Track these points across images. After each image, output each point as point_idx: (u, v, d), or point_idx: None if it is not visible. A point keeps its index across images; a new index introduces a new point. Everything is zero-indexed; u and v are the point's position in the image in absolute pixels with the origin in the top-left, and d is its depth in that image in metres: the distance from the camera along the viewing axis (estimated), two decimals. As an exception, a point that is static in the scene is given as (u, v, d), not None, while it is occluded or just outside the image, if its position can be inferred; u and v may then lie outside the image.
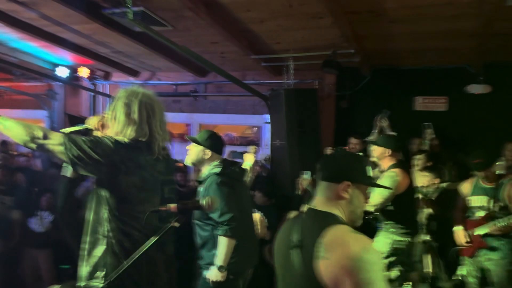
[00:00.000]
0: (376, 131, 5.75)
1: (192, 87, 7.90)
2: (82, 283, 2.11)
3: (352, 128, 6.39)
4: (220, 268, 2.90)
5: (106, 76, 8.41)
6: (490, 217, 4.01)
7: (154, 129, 2.15)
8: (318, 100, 6.13)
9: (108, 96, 8.35)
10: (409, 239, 3.60)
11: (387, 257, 3.53)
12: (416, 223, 4.03)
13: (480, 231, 4.06)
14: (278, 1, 4.19)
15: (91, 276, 2.08)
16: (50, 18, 5.11)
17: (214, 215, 2.89)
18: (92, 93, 8.50)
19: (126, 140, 2.08)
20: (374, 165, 5.36)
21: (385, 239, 3.64)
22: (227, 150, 4.10)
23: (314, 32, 5.04)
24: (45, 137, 1.96)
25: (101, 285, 1.94)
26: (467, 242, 4.15)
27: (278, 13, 4.53)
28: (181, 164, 6.76)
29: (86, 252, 2.12)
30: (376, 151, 3.80)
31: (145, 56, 6.68)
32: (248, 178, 4.35)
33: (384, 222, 3.69)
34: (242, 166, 3.66)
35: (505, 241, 3.95)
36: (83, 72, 7.71)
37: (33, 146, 1.95)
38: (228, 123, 8.48)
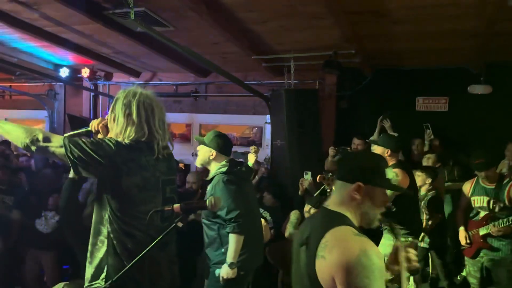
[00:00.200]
0: (377, 131, 5.74)
1: (193, 87, 7.91)
2: (86, 284, 2.12)
3: (353, 129, 6.39)
4: (231, 265, 2.94)
5: (107, 77, 8.42)
6: (490, 218, 4.02)
7: (153, 129, 2.15)
8: (318, 101, 6.13)
9: (109, 96, 8.36)
10: (411, 239, 3.61)
11: None
12: (418, 224, 4.03)
13: (481, 231, 4.06)
14: (280, 1, 4.19)
15: (94, 277, 2.08)
16: (52, 18, 5.12)
17: (222, 213, 2.92)
18: (93, 94, 8.51)
19: (126, 141, 2.09)
20: None
21: (387, 241, 3.64)
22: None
23: (315, 32, 5.04)
24: (46, 139, 1.96)
25: (103, 286, 1.95)
26: (467, 243, 4.15)
27: (280, 14, 4.53)
28: (181, 165, 6.78)
29: (89, 254, 2.13)
30: (376, 151, 3.80)
31: (146, 56, 6.69)
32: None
33: (386, 223, 3.69)
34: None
35: (506, 241, 3.95)
36: (85, 72, 7.71)
37: (34, 148, 1.96)
38: (228, 123, 8.47)
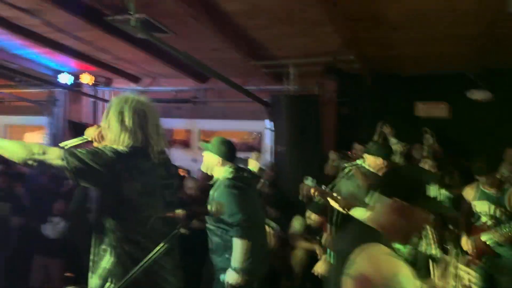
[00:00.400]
0: (377, 137, 5.73)
1: (192, 93, 7.92)
2: None
3: (354, 134, 6.40)
4: (235, 270, 2.92)
5: (108, 82, 8.44)
6: (493, 223, 4.00)
7: (148, 134, 2.16)
8: (319, 106, 6.14)
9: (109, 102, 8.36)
10: (411, 247, 3.57)
11: None
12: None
13: (483, 237, 4.05)
14: (280, 8, 4.21)
15: (99, 287, 2.07)
16: (53, 24, 5.14)
17: (226, 218, 2.92)
18: (94, 99, 8.52)
19: (122, 147, 2.09)
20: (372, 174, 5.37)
21: None
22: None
23: (315, 38, 5.06)
24: (43, 153, 1.95)
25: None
26: (469, 249, 4.14)
27: (279, 20, 4.56)
28: (181, 170, 6.77)
29: (91, 264, 2.12)
30: (369, 160, 3.79)
31: (146, 62, 6.70)
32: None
33: None
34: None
35: (509, 247, 3.94)
36: (86, 78, 7.73)
37: (31, 163, 1.94)
38: (228, 129, 8.48)
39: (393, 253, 1.41)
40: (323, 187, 3.86)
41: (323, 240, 4.46)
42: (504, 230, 3.88)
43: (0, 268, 4.63)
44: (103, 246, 2.09)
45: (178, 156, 7.63)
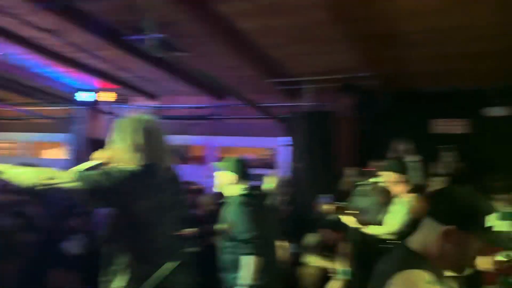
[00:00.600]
0: (392, 154, 5.66)
1: (209, 110, 7.99)
2: None
3: (371, 151, 6.35)
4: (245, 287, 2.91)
5: (127, 100, 8.58)
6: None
7: (155, 152, 2.19)
8: (336, 123, 6.13)
9: (128, 119, 8.48)
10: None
11: None
12: None
13: (498, 256, 3.94)
14: (295, 26, 4.26)
15: None
16: (73, 44, 5.28)
17: (237, 235, 2.92)
18: (113, 117, 8.66)
19: (131, 167, 2.12)
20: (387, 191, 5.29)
21: None
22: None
23: (331, 56, 5.09)
24: (53, 177, 1.99)
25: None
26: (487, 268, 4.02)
27: (295, 39, 4.60)
28: (196, 187, 6.80)
29: (104, 285, 2.13)
30: (385, 176, 3.75)
31: (164, 80, 6.81)
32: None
33: None
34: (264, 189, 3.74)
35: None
36: (106, 96, 7.89)
37: (45, 188, 1.99)
38: (245, 146, 8.51)
39: (435, 281, 1.34)
40: (339, 203, 3.86)
41: (336, 258, 4.41)
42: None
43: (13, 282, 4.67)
44: (114, 267, 2.10)
45: (193, 173, 7.68)
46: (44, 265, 4.79)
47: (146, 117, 2.31)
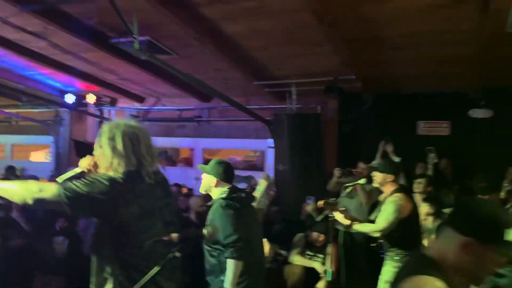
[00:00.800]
0: (380, 156, 5.74)
1: (196, 112, 8.00)
2: None
3: (355, 152, 6.42)
4: None
5: (112, 102, 8.55)
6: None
7: (142, 157, 2.18)
8: (321, 125, 6.18)
9: (114, 121, 8.46)
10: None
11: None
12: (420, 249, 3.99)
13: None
14: (280, 30, 4.30)
15: None
16: (59, 46, 5.26)
17: (220, 238, 2.93)
18: (98, 119, 8.62)
19: (117, 173, 2.12)
20: (378, 191, 5.34)
21: (391, 268, 3.58)
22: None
23: (315, 58, 5.14)
24: (40, 190, 1.98)
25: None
26: None
27: (280, 41, 4.64)
28: (185, 189, 6.80)
29: None
30: (378, 177, 3.80)
31: (151, 82, 6.81)
32: (261, 203, 4.39)
33: (388, 249, 3.66)
34: (253, 192, 3.75)
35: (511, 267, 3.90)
36: (90, 98, 7.84)
37: (31, 201, 1.98)
38: (231, 148, 8.54)
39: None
40: (332, 199, 3.91)
41: (325, 260, 4.46)
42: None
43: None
44: (104, 275, 2.08)
45: (182, 175, 7.67)
46: (29, 268, 4.76)
47: (131, 121, 2.31)
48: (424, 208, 4.33)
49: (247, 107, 6.54)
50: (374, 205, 5.42)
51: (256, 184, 5.95)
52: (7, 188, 2.05)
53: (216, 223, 2.90)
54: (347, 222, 3.69)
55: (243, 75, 5.74)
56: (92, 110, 8.50)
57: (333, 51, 4.69)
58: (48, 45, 5.23)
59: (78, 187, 2.00)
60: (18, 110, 8.99)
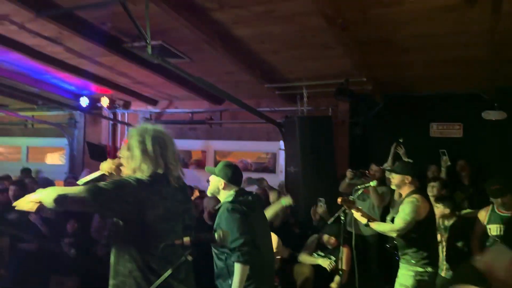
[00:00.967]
0: (391, 158, 5.70)
1: (207, 114, 8.06)
2: None
3: (367, 155, 6.40)
4: None
5: (126, 105, 8.66)
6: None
7: (168, 161, 2.24)
8: (332, 127, 6.18)
9: (127, 124, 8.57)
10: (430, 269, 3.50)
11: None
12: (437, 251, 3.92)
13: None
14: (291, 33, 4.32)
15: None
16: (74, 51, 5.36)
17: (228, 243, 2.92)
18: (112, 122, 8.74)
19: (145, 175, 2.16)
20: (390, 193, 5.30)
21: (407, 272, 3.54)
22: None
23: (326, 61, 5.16)
24: (69, 194, 2.02)
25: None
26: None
27: (291, 44, 4.67)
28: (196, 192, 6.84)
29: None
30: (396, 179, 3.77)
31: (163, 85, 6.89)
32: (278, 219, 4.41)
33: (404, 251, 3.62)
34: (265, 194, 3.73)
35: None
36: (104, 102, 7.96)
37: (61, 204, 2.02)
38: (242, 150, 8.56)
39: None
40: (351, 197, 3.90)
41: (333, 260, 4.47)
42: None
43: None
44: (121, 278, 2.12)
45: (194, 177, 7.73)
46: (45, 269, 4.85)
47: (158, 126, 2.36)
48: (438, 209, 4.30)
49: (258, 109, 6.58)
50: (386, 207, 5.42)
51: (267, 186, 5.98)
52: (42, 192, 2.08)
53: (223, 226, 2.90)
54: (364, 220, 3.67)
55: (254, 78, 5.78)
56: (106, 113, 8.62)
57: (344, 54, 4.69)
58: (63, 50, 5.34)
59: (105, 188, 2.04)
60: (33, 113, 9.17)
